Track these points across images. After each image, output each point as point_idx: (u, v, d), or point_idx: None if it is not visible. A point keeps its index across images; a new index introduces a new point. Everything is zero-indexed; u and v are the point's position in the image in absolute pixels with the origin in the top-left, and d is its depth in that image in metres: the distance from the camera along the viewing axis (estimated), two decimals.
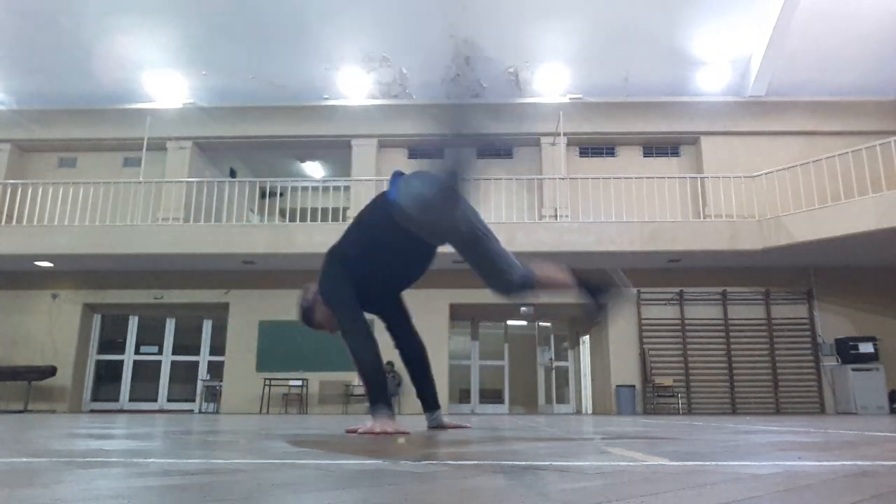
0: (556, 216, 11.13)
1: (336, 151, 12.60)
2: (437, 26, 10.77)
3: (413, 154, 12.45)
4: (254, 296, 11.29)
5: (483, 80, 11.74)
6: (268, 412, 10.44)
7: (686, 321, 10.99)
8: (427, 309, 11.13)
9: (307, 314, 3.05)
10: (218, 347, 11.68)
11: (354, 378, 10.79)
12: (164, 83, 11.78)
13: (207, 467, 1.27)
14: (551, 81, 11.74)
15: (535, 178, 11.61)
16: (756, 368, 10.77)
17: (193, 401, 11.64)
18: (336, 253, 2.90)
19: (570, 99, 11.90)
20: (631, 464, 1.35)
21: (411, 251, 2.84)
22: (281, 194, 12.50)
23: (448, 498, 0.89)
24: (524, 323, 13.35)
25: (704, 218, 10.98)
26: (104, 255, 10.29)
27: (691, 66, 11.38)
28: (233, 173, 13.59)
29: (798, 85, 11.38)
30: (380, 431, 2.60)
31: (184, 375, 12.05)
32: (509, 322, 13.05)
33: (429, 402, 3.18)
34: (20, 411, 10.12)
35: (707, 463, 1.38)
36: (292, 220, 12.04)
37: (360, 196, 11.42)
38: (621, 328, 11.03)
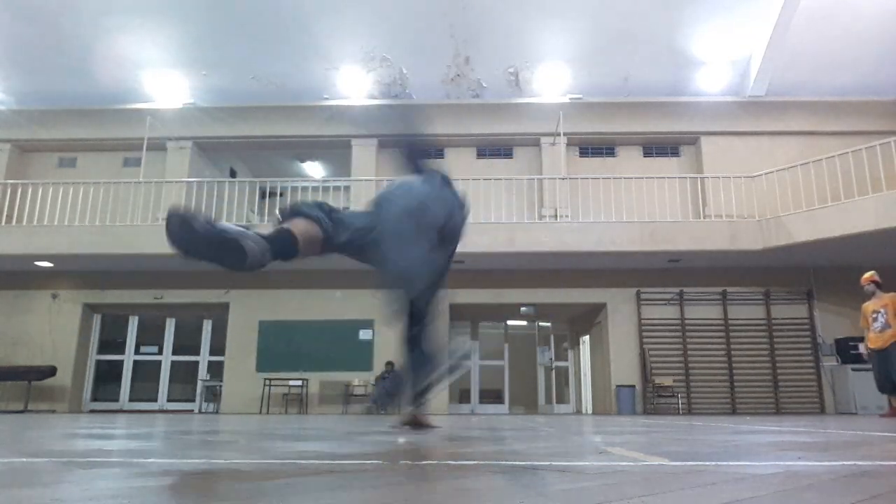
0: (556, 216, 11.13)
1: (336, 151, 12.60)
2: (437, 26, 10.77)
3: None
4: (254, 296, 11.29)
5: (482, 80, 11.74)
6: (268, 412, 10.43)
7: (686, 321, 10.98)
8: None
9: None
10: (218, 347, 11.67)
11: (354, 378, 10.79)
12: (164, 83, 11.78)
13: (207, 467, 1.27)
14: (551, 81, 11.73)
15: (535, 178, 11.60)
16: (756, 368, 10.76)
17: (193, 401, 11.63)
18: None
19: (570, 99, 11.89)
20: (631, 464, 1.35)
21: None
22: (281, 194, 12.49)
23: (448, 498, 0.89)
24: (524, 323, 13.34)
25: (704, 218, 10.97)
26: (104, 255, 10.28)
27: (691, 66, 11.38)
28: (233, 173, 13.58)
29: (798, 85, 11.38)
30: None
31: (184, 375, 12.05)
32: (509, 322, 13.05)
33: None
34: (20, 411, 10.11)
35: (707, 463, 1.38)
36: None
37: (360, 196, 11.42)
38: (621, 328, 11.02)
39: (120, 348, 11.98)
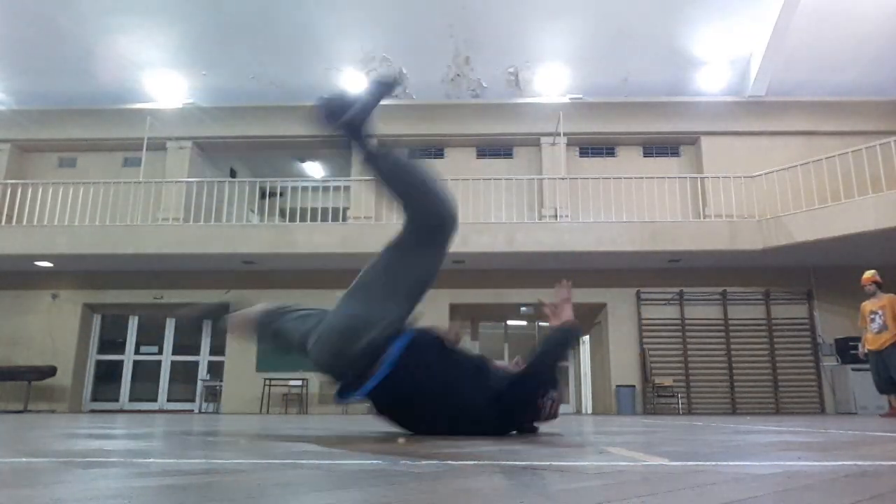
0: (556, 216, 11.13)
1: (336, 151, 12.59)
2: (437, 26, 10.76)
3: (413, 154, 12.44)
4: (254, 296, 11.26)
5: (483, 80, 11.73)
6: (268, 412, 10.43)
7: (686, 321, 10.98)
8: (427, 309, 11.13)
9: None
10: (218, 347, 11.67)
11: None
12: (164, 83, 11.78)
13: (207, 467, 1.27)
14: (551, 81, 11.73)
15: (535, 178, 11.60)
16: (756, 368, 10.76)
17: (193, 401, 11.63)
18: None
19: (570, 99, 11.89)
20: (631, 464, 1.35)
21: None
22: (281, 194, 12.50)
23: (448, 498, 0.89)
24: (524, 323, 13.34)
25: (704, 218, 10.97)
26: (104, 255, 10.28)
27: (691, 66, 11.38)
28: (233, 173, 13.59)
29: (798, 85, 11.38)
30: None
31: (184, 375, 12.04)
32: (509, 322, 13.04)
33: None
34: (20, 411, 10.11)
35: (707, 463, 1.38)
36: (292, 220, 12.03)
37: (360, 196, 11.42)
38: (621, 328, 11.02)
39: (120, 348, 11.98)
